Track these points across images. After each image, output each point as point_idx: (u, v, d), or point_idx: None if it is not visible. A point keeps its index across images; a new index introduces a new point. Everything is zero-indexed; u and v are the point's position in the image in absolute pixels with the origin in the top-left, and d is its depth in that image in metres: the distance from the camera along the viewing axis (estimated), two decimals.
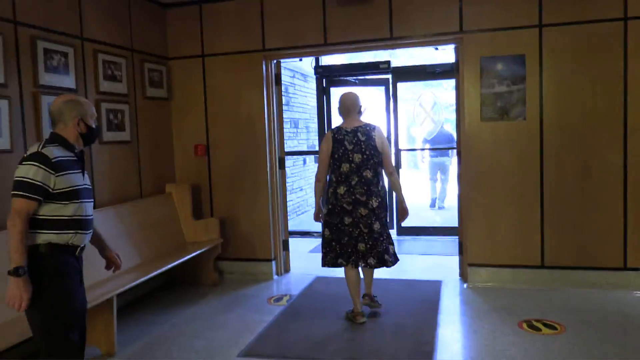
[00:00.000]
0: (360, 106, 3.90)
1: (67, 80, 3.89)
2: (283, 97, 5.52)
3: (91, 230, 2.49)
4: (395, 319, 3.90)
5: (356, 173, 3.75)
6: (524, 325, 3.70)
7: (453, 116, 5.29)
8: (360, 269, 3.92)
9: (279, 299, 4.48)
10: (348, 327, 3.82)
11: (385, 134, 3.96)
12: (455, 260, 5.33)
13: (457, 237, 6.44)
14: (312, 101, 9.45)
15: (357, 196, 3.75)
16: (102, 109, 4.24)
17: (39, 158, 2.25)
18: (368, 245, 3.78)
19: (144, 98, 4.80)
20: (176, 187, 5.05)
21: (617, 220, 4.32)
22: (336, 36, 4.80)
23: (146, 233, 4.47)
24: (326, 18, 4.80)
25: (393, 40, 4.69)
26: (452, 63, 6.96)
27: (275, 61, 5.14)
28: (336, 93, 7.35)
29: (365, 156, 3.75)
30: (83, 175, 2.44)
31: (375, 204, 3.76)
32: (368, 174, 3.75)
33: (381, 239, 3.81)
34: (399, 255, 3.95)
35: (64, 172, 2.30)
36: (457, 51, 4.68)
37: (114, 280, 3.65)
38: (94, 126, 2.48)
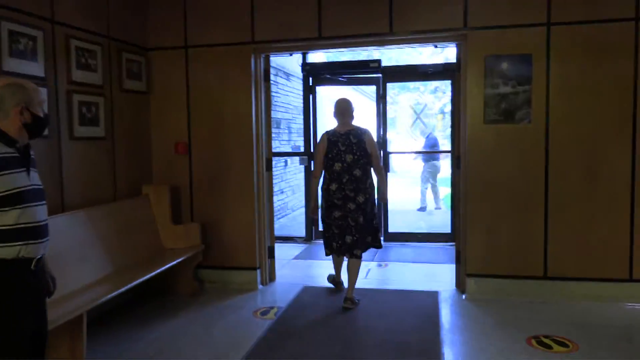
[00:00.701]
0: (353, 110, 4.27)
1: (35, 68, 3.46)
2: None
3: (47, 238, 2.12)
4: (397, 336, 3.58)
5: (347, 172, 4.11)
6: (533, 342, 3.45)
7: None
8: (345, 264, 4.30)
9: (265, 312, 4.13)
10: (346, 345, 3.51)
11: (375, 138, 4.38)
12: (448, 268, 5.11)
13: (446, 243, 6.30)
14: (295, 101, 9.12)
15: (346, 192, 4.11)
16: (74, 101, 3.82)
17: None
18: (355, 238, 4.13)
19: (120, 91, 4.39)
20: (154, 189, 4.64)
21: (623, 229, 4.12)
22: (332, 30, 4.47)
23: (120, 239, 4.05)
24: (321, 10, 4.47)
25: (392, 36, 4.39)
26: (444, 64, 6.85)
27: (264, 55, 4.79)
28: (323, 92, 7.06)
29: (356, 157, 4.11)
30: (29, 174, 2.05)
31: (361, 200, 4.10)
32: (357, 172, 4.11)
33: (363, 230, 4.15)
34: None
35: (2, 173, 1.93)
36: (460, 49, 4.41)
37: (84, 294, 3.25)
38: (42, 115, 2.09)
